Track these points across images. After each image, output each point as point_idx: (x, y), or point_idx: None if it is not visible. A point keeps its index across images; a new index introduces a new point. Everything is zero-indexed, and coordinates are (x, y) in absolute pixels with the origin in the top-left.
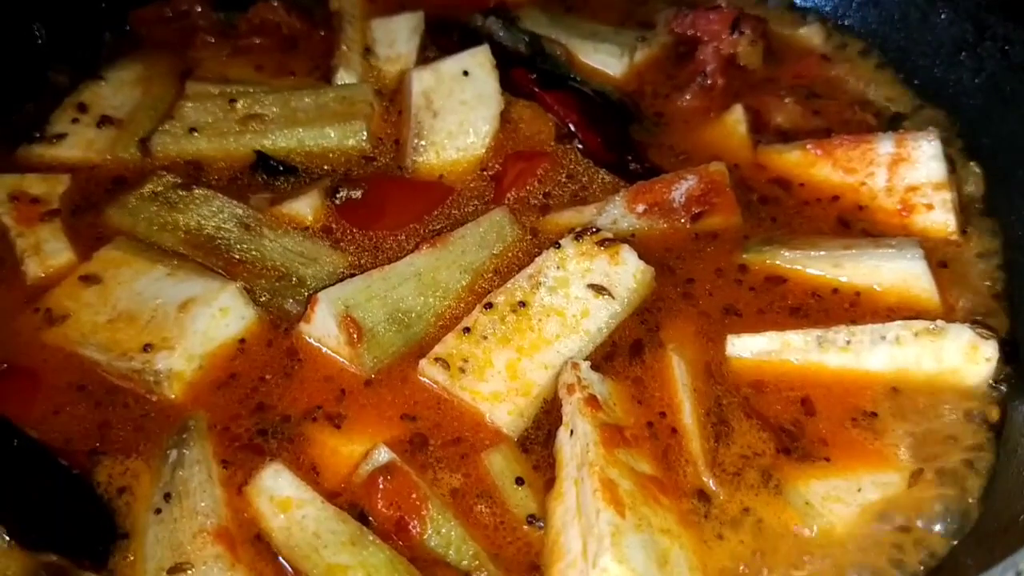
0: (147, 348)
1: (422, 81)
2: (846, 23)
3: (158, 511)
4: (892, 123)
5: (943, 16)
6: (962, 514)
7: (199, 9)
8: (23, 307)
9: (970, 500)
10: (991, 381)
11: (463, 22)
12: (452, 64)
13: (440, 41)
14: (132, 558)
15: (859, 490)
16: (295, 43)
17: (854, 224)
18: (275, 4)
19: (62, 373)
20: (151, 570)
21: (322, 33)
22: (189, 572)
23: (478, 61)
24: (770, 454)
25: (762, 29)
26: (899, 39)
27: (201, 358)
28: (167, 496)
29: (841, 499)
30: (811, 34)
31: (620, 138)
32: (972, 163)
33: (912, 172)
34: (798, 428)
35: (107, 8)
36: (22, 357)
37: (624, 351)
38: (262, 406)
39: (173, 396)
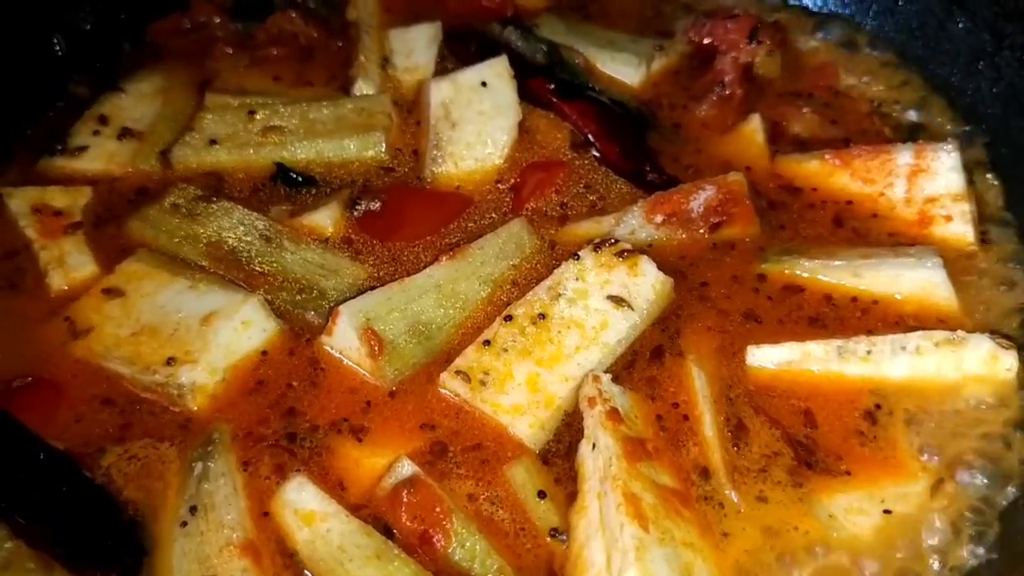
0: (170, 362)
1: (440, 92)
2: (864, 31)
3: (184, 524)
4: (911, 133)
5: (960, 25)
6: (985, 525)
7: (217, 20)
8: (48, 319)
9: (994, 513)
10: (1015, 388)
11: (481, 31)
12: (470, 75)
13: (458, 51)
14: (157, 571)
15: (882, 501)
16: (312, 53)
17: (867, 232)
18: (292, 15)
19: (87, 385)
20: None
21: (339, 44)
22: None
23: (496, 71)
24: (790, 457)
25: (780, 38)
26: (917, 47)
27: (224, 371)
28: (192, 509)
29: (864, 511)
30: (829, 42)
31: (638, 147)
32: (990, 175)
33: (931, 183)
34: (812, 440)
35: (126, 19)
36: (47, 369)
37: (644, 358)
38: (288, 413)
39: (196, 408)
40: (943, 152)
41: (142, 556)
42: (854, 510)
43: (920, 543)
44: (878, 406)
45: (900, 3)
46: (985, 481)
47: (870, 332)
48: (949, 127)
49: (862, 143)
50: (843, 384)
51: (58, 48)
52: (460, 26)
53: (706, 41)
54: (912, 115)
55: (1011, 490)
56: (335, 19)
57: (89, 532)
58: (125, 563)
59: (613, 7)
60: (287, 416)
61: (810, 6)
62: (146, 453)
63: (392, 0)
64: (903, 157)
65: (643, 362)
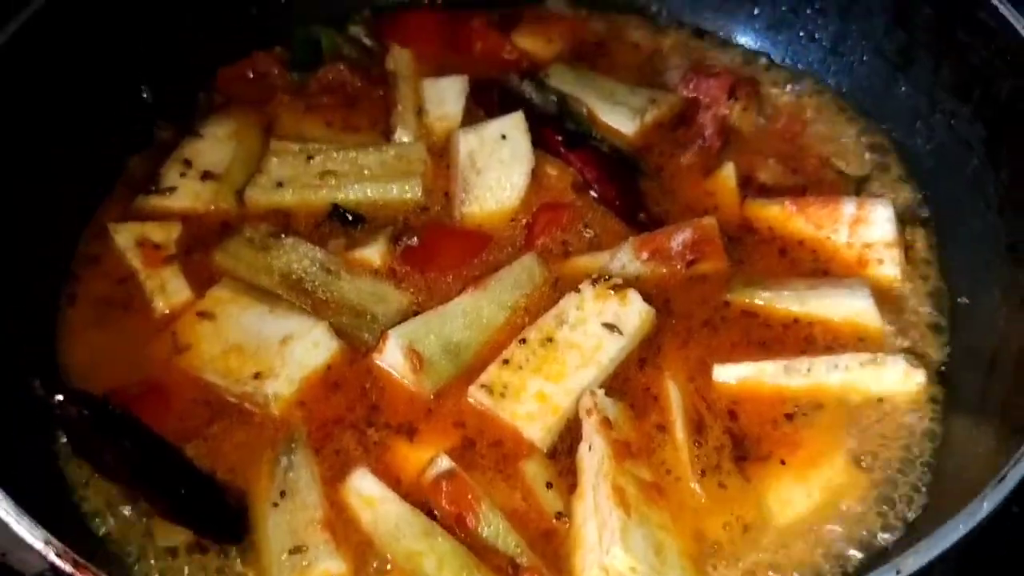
0: (256, 375)
1: (467, 144)
2: (827, 87)
3: (275, 504)
4: (859, 183)
5: (903, 88)
6: (900, 518)
7: (276, 71)
8: (156, 335)
9: (908, 504)
10: (926, 398)
11: (500, 82)
12: (492, 129)
13: (482, 100)
14: (258, 541)
15: (808, 494)
16: (357, 101)
17: (809, 265)
18: (340, 66)
19: (189, 391)
20: (275, 550)
21: (380, 92)
22: (306, 552)
23: (514, 124)
24: (732, 451)
25: (754, 95)
26: (868, 104)
27: (299, 382)
28: (282, 494)
29: (793, 502)
30: (796, 95)
31: (631, 191)
32: (919, 225)
33: (868, 231)
34: (748, 433)
35: (200, 70)
36: (158, 377)
37: (631, 372)
38: (350, 416)
39: (277, 413)
40: (880, 206)
41: (245, 527)
42: (784, 500)
43: (840, 527)
44: (814, 407)
45: (856, 65)
46: (903, 477)
47: (809, 350)
48: (891, 178)
49: (818, 190)
50: (787, 392)
51: (146, 96)
52: (483, 77)
53: (693, 95)
54: (861, 166)
55: (925, 486)
56: (376, 69)
57: (206, 507)
58: (234, 531)
59: (616, 59)
60: (350, 418)
61: (779, 62)
62: (238, 447)
63: (424, 51)
64: (848, 208)
65: (630, 375)
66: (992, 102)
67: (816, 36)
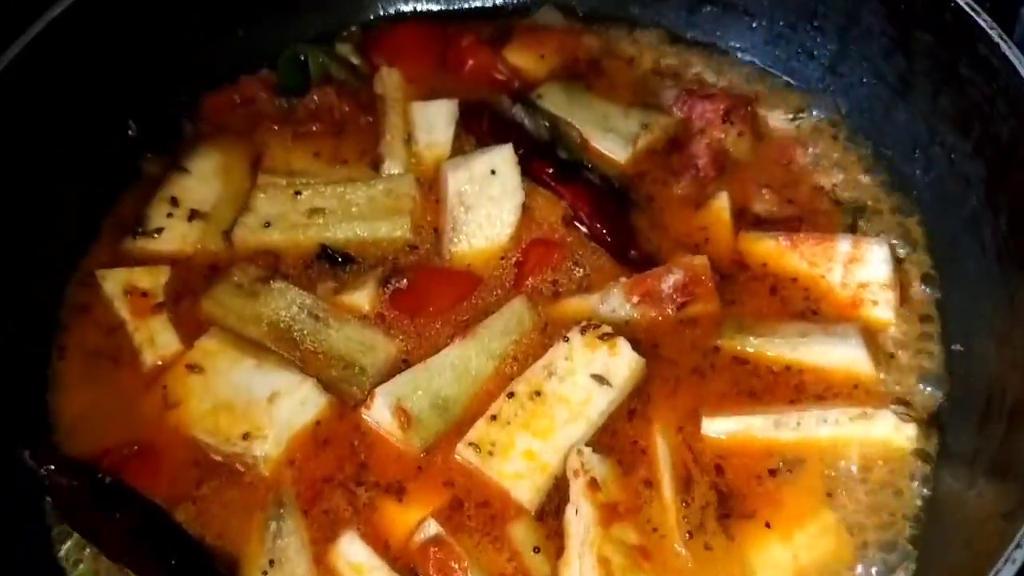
0: (245, 436)
1: (456, 181)
2: (824, 105)
3: (264, 573)
4: (856, 212)
5: (903, 114)
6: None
7: (263, 96)
8: (146, 390)
9: (903, 561)
10: (916, 452)
11: (491, 106)
12: (482, 164)
13: (472, 126)
14: None
15: (793, 556)
16: (345, 127)
17: (807, 308)
18: (327, 89)
19: (180, 450)
20: None
21: (369, 119)
22: None
23: (503, 159)
24: (717, 508)
25: (750, 118)
26: (867, 127)
27: (287, 441)
28: (271, 562)
29: (778, 564)
30: (792, 116)
31: (622, 226)
32: (914, 264)
33: (863, 271)
34: (734, 490)
35: (185, 97)
36: (149, 435)
37: (619, 424)
38: (339, 475)
39: (267, 474)
40: (876, 246)
41: None
42: (769, 563)
43: None
44: (799, 462)
45: (855, 86)
46: (896, 533)
47: (799, 399)
48: (887, 210)
49: (813, 222)
50: (775, 446)
51: (131, 131)
52: (474, 99)
53: (687, 116)
54: (857, 197)
55: (918, 539)
56: (365, 92)
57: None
58: None
59: (610, 77)
60: (339, 477)
61: (777, 78)
62: (228, 508)
63: (413, 70)
64: (843, 246)
65: (618, 428)
66: (993, 142)
67: (815, 54)
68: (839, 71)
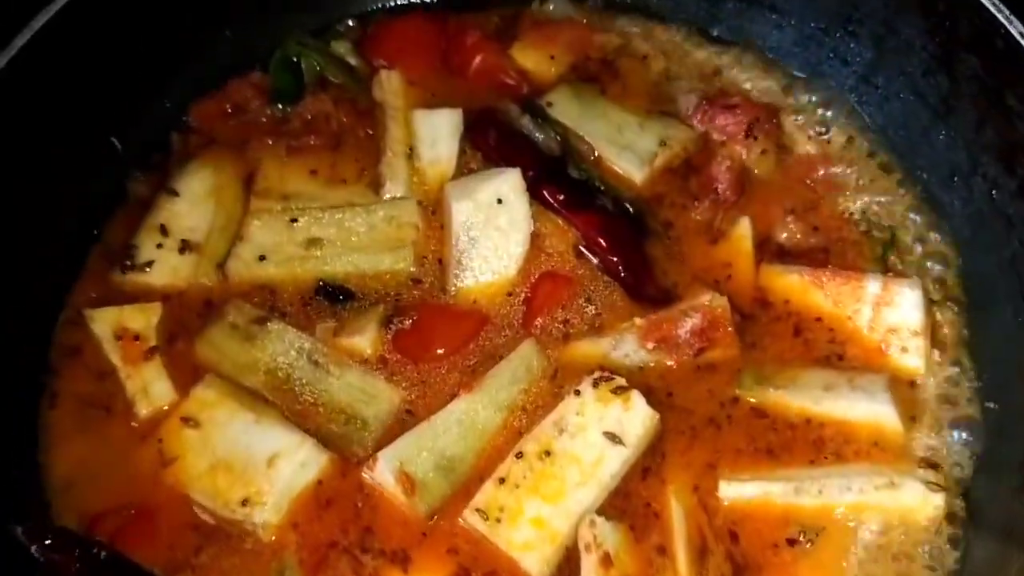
0: (244, 503)
1: (461, 212)
2: (856, 115)
3: None
4: (886, 245)
5: (942, 137)
6: None
7: (255, 102)
8: (140, 444)
9: None
10: (944, 521)
11: (498, 115)
12: (488, 192)
13: (478, 140)
14: None
15: None
16: (342, 140)
17: (831, 353)
18: (323, 96)
19: (177, 512)
20: None
21: (368, 131)
22: None
23: (511, 185)
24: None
25: (774, 132)
26: (902, 145)
27: (288, 503)
28: None
29: None
30: (821, 127)
31: (637, 257)
32: (948, 306)
33: (893, 315)
34: (749, 557)
35: (172, 104)
36: (145, 496)
37: (633, 484)
38: (342, 539)
39: (267, 541)
40: (907, 288)
41: None
42: None
43: None
44: (820, 530)
45: (891, 100)
46: None
47: (818, 457)
48: (920, 244)
49: (840, 255)
50: (792, 512)
51: (118, 148)
52: (480, 107)
53: (707, 127)
54: (888, 227)
55: None
56: (363, 98)
57: None
58: None
59: (625, 79)
60: (343, 543)
61: (805, 83)
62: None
63: (415, 71)
64: (872, 287)
65: (631, 489)
66: None
67: (848, 60)
68: (874, 81)
